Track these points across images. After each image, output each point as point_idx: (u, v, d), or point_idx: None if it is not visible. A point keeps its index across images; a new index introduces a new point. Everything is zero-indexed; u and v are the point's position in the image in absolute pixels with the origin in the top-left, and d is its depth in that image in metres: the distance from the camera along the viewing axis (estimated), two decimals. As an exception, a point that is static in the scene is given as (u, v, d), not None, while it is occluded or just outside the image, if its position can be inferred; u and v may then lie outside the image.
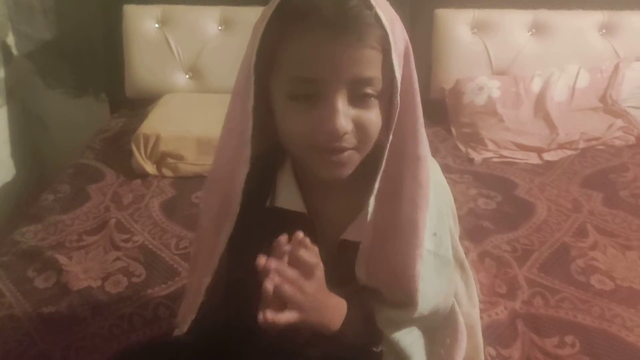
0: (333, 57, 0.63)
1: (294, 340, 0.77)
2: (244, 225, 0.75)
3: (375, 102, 0.67)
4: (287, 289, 0.65)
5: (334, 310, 0.74)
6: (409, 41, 0.69)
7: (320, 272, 0.69)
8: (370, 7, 0.64)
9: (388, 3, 0.68)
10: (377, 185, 0.70)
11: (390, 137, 0.69)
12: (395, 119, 0.68)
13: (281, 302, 0.66)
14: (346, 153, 0.68)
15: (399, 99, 0.67)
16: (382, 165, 0.70)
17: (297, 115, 0.66)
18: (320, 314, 0.71)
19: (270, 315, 0.64)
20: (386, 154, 0.69)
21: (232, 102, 0.73)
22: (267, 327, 0.64)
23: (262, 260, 0.63)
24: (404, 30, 0.69)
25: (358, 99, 0.66)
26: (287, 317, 0.66)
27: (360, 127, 0.67)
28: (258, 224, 0.77)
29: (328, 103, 0.64)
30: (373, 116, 0.67)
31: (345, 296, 0.75)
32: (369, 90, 0.66)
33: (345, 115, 0.65)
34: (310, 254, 0.67)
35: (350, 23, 0.63)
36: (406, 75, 0.68)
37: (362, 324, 0.76)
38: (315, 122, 0.65)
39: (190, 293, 0.83)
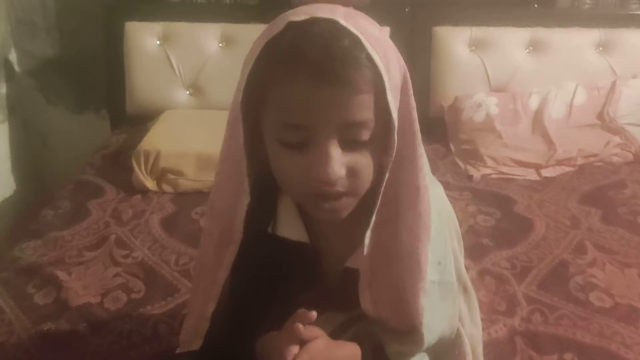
0: (322, 102, 0.60)
1: None
2: (246, 252, 0.75)
3: (367, 145, 0.64)
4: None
5: (348, 358, 0.75)
6: (406, 69, 0.66)
7: (319, 331, 0.71)
8: (362, 49, 0.60)
9: (380, 31, 0.64)
10: (374, 219, 0.68)
11: (387, 174, 0.66)
12: (393, 157, 0.65)
13: None
14: (341, 200, 0.65)
15: (396, 138, 0.64)
16: (379, 200, 0.67)
17: (289, 160, 0.64)
18: None
19: None
20: (382, 189, 0.66)
21: (227, 130, 0.71)
22: None
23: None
24: (401, 59, 0.66)
25: (350, 143, 0.63)
26: None
27: (353, 172, 0.64)
28: (260, 251, 0.76)
29: (320, 149, 0.62)
30: (365, 160, 0.65)
31: (355, 336, 0.76)
32: (361, 134, 0.63)
33: (338, 161, 0.62)
34: (310, 329, 0.69)
35: (339, 67, 0.59)
36: (404, 106, 0.65)
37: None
38: (308, 168, 0.63)
39: (193, 315, 0.83)
